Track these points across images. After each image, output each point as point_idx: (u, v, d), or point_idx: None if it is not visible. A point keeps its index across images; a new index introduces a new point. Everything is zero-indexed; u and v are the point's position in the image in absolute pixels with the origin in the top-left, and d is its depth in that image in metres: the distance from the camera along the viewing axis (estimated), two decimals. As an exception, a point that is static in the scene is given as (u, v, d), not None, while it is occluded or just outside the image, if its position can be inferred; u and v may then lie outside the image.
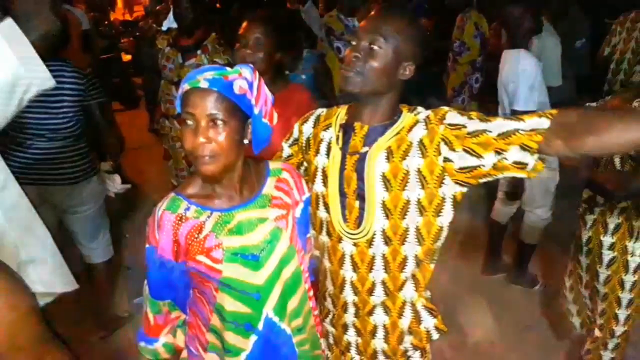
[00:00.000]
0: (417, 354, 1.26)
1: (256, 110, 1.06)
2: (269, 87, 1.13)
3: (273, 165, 1.20)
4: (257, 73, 1.08)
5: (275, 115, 1.14)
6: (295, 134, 1.30)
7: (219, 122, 0.99)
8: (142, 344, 1.19)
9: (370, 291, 1.19)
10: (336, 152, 1.17)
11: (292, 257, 1.15)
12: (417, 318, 1.23)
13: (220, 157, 1.01)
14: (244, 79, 1.03)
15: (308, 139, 1.26)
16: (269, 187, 1.15)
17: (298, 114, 1.34)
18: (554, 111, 1.01)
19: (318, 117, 1.26)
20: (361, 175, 1.13)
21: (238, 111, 1.02)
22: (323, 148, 1.20)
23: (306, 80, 2.61)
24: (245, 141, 1.07)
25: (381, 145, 1.12)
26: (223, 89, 0.99)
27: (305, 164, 1.28)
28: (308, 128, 1.26)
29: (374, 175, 1.12)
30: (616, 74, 3.03)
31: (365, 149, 1.13)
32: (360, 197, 1.14)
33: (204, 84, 0.98)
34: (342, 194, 1.16)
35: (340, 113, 1.22)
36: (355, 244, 1.16)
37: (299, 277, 1.18)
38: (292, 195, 1.19)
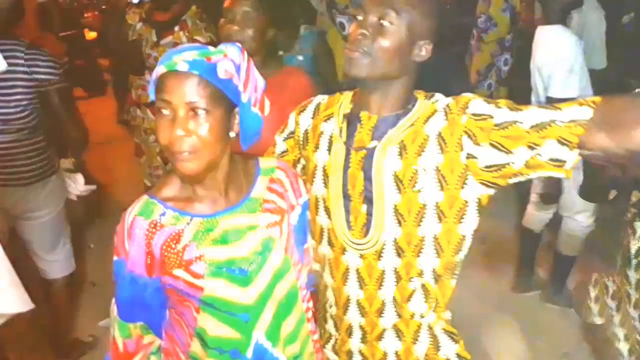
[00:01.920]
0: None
1: (244, 98, 1.06)
2: (260, 70, 1.13)
3: (265, 163, 1.20)
4: (245, 53, 1.08)
5: (268, 104, 1.14)
6: (291, 125, 1.30)
7: (201, 112, 0.99)
8: (110, 374, 1.19)
9: (380, 312, 1.19)
10: (339, 148, 1.17)
11: (287, 271, 1.15)
12: (436, 344, 1.23)
13: (202, 153, 1.01)
14: (230, 60, 1.03)
15: (306, 132, 1.26)
16: (259, 188, 1.15)
17: (294, 102, 1.34)
18: (597, 99, 1.01)
19: (318, 106, 1.26)
20: (368, 174, 1.13)
21: (223, 99, 1.02)
22: (324, 142, 1.20)
23: (304, 62, 2.61)
24: (232, 134, 1.07)
25: (392, 139, 1.12)
26: (205, 73, 0.99)
27: (302, 161, 1.28)
28: (306, 119, 1.26)
29: (383, 174, 1.12)
30: None
31: (374, 143, 1.13)
32: (368, 200, 1.14)
33: (182, 67, 0.98)
34: (346, 197, 1.16)
35: (344, 101, 1.22)
36: (361, 256, 1.16)
37: (295, 294, 1.19)
38: (287, 199, 1.19)
